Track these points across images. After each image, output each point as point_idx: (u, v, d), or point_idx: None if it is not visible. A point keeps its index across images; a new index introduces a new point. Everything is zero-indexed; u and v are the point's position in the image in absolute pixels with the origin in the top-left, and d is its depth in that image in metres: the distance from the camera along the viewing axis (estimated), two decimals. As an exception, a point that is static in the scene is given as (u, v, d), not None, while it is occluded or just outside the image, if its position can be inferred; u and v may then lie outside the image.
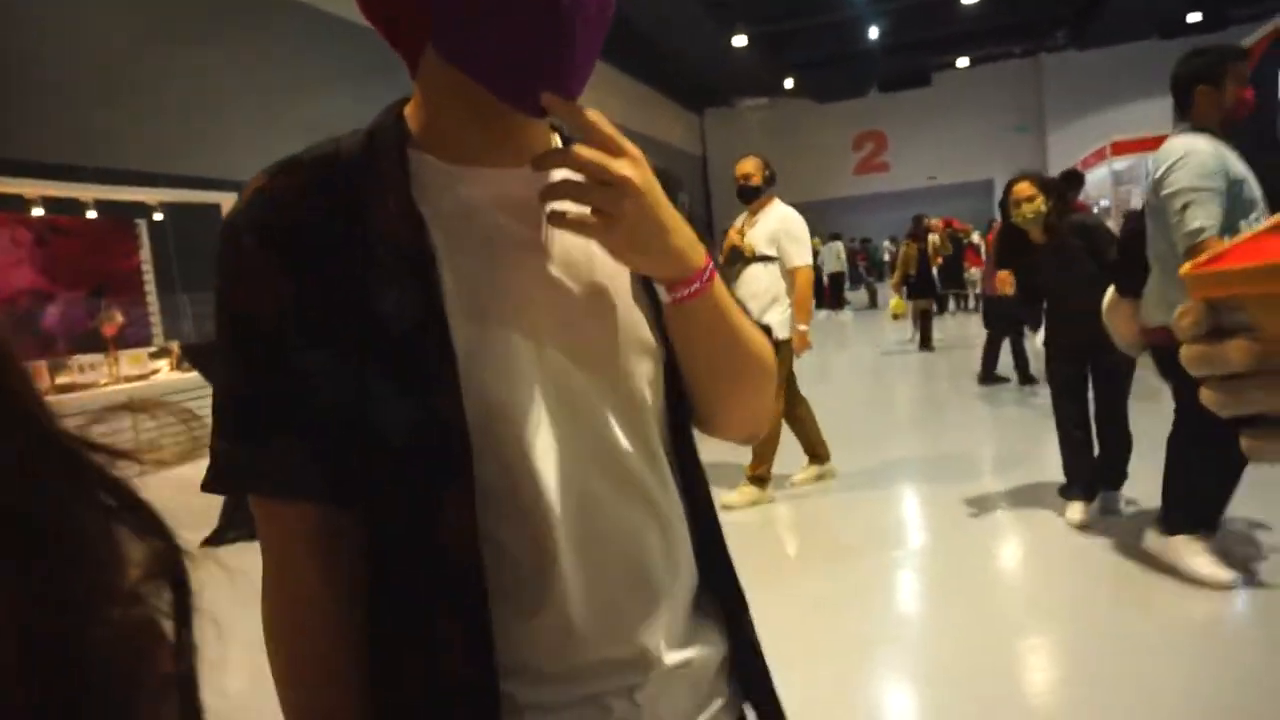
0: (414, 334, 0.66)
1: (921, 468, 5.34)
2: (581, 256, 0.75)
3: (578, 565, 0.71)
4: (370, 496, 0.69)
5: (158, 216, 8.66)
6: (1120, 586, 3.30)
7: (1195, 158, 2.81)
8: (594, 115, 0.68)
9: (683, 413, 0.82)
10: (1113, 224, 7.74)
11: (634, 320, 0.77)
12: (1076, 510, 3.90)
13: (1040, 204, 3.80)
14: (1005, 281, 3.95)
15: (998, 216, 7.42)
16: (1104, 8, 15.74)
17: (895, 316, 11.59)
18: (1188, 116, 3.00)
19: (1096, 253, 3.70)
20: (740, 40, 16.45)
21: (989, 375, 7.77)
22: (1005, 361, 7.70)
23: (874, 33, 17.19)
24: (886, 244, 22.82)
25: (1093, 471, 3.89)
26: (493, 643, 0.68)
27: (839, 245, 19.06)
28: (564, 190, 0.68)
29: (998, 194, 6.97)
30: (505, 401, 0.69)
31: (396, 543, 0.70)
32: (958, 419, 6.88)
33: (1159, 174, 2.88)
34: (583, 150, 0.67)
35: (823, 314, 17.21)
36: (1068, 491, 3.98)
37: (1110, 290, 3.43)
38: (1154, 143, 11.37)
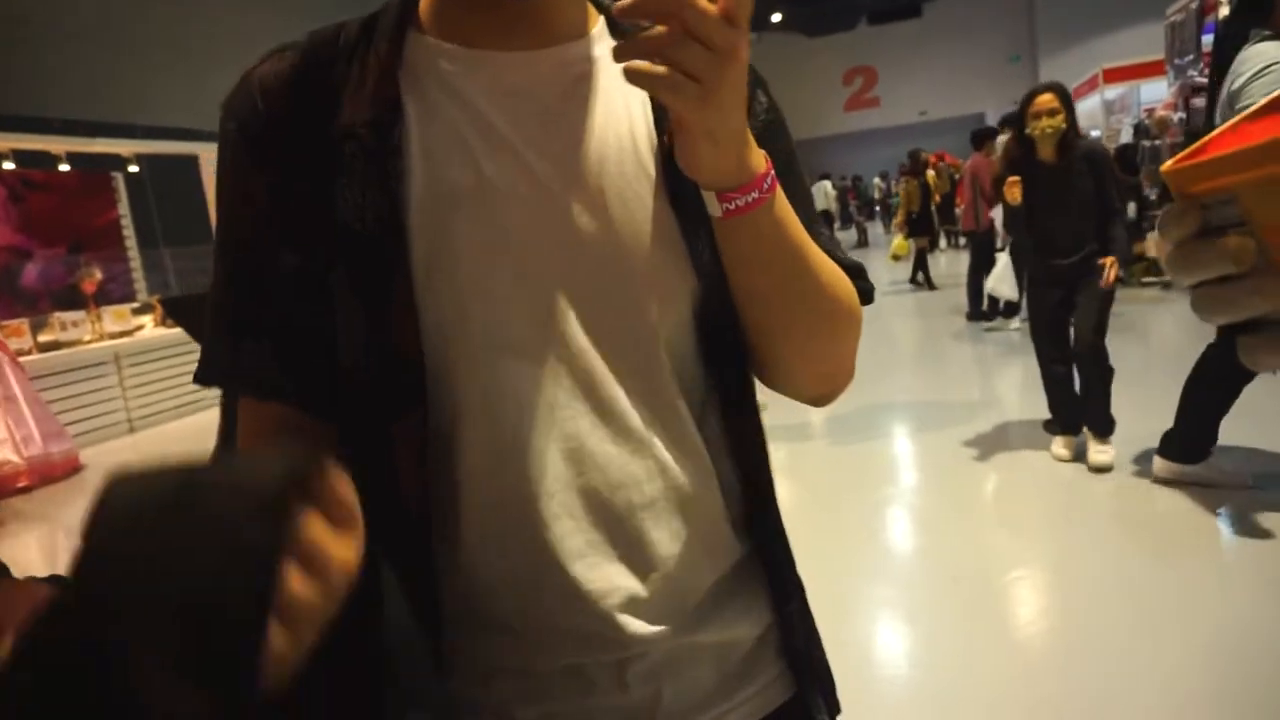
0: (370, 241, 0.60)
1: (915, 408, 5.33)
2: (592, 160, 0.64)
3: (555, 517, 0.62)
4: (333, 406, 0.64)
5: (133, 169, 8.48)
6: (1109, 522, 3.31)
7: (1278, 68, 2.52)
8: None
9: (731, 361, 0.69)
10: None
11: (655, 242, 0.64)
12: (1060, 445, 3.90)
13: (1061, 120, 3.57)
14: (1015, 185, 3.66)
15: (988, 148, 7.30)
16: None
17: (896, 258, 11.39)
18: (1269, 22, 2.71)
19: (1100, 181, 3.55)
20: (726, -27, 16.03)
21: (976, 310, 7.71)
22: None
23: (863, -38, 16.79)
24: (876, 181, 22.61)
25: (1076, 405, 3.85)
26: (437, 595, 0.63)
27: (827, 184, 18.90)
28: (652, 46, 0.51)
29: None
30: (469, 326, 0.60)
31: (351, 470, 0.65)
32: (957, 357, 6.87)
33: (1236, 85, 2.63)
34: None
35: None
36: (1051, 426, 3.97)
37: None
38: (1145, 69, 11.22)
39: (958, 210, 13.55)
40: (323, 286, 0.61)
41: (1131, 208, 7.47)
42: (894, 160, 18.53)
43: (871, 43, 22.52)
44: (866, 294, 0.72)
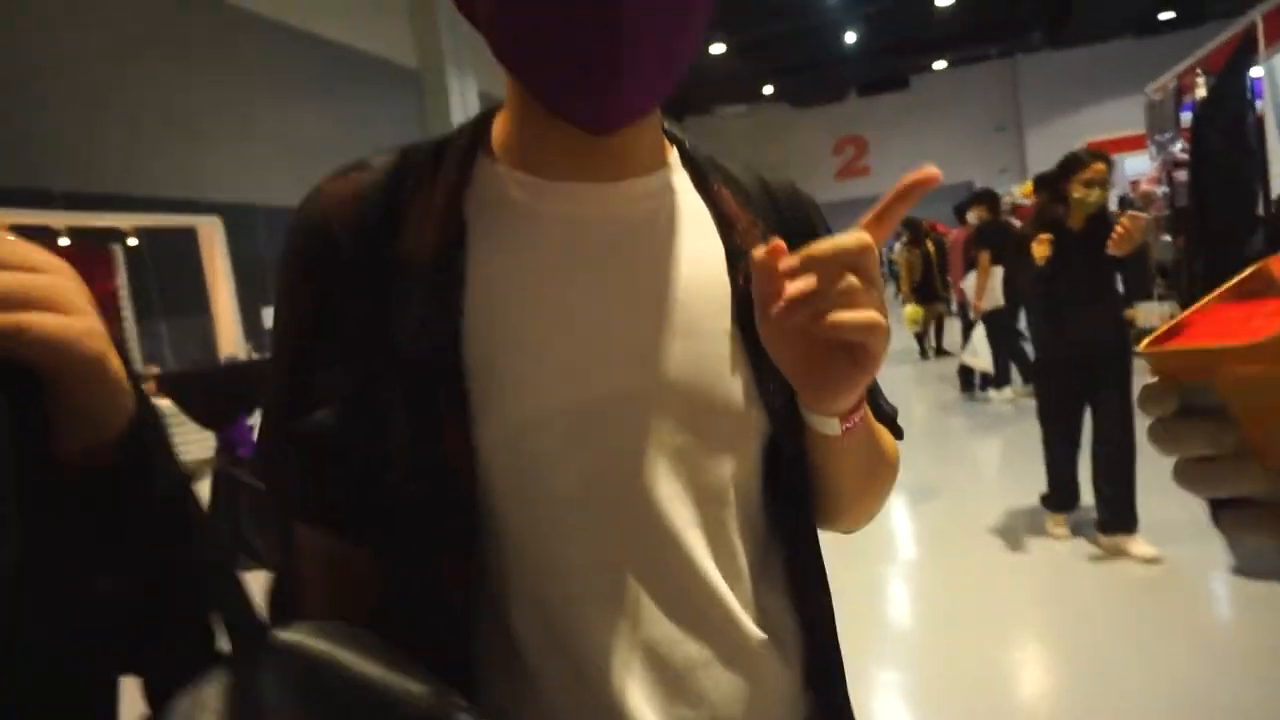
0: (425, 372, 0.59)
1: (913, 483, 5.30)
2: (665, 299, 0.62)
3: (613, 671, 0.59)
4: (381, 539, 0.62)
5: (132, 242, 8.57)
6: (1107, 600, 3.27)
7: None
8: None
9: (798, 502, 0.68)
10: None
11: (729, 386, 0.62)
12: (1057, 523, 3.86)
13: (1105, 194, 3.44)
14: (1045, 243, 3.37)
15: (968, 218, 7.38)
16: (1077, 7, 15.85)
17: (914, 323, 10.92)
18: None
19: (1137, 258, 3.43)
20: (718, 48, 16.47)
21: (969, 382, 7.67)
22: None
23: (851, 37, 17.24)
24: (869, 247, 22.70)
25: (1074, 482, 3.79)
26: None
27: None
28: (810, 308, 0.51)
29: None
30: (521, 467, 0.59)
31: (395, 597, 0.62)
32: (955, 429, 6.86)
33: None
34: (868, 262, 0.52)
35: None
36: (1049, 502, 3.92)
37: None
38: (1129, 143, 11.44)
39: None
40: (374, 409, 0.60)
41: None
42: (885, 227, 18.72)
43: (861, 113, 23.01)
44: (899, 434, 0.76)
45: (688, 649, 0.61)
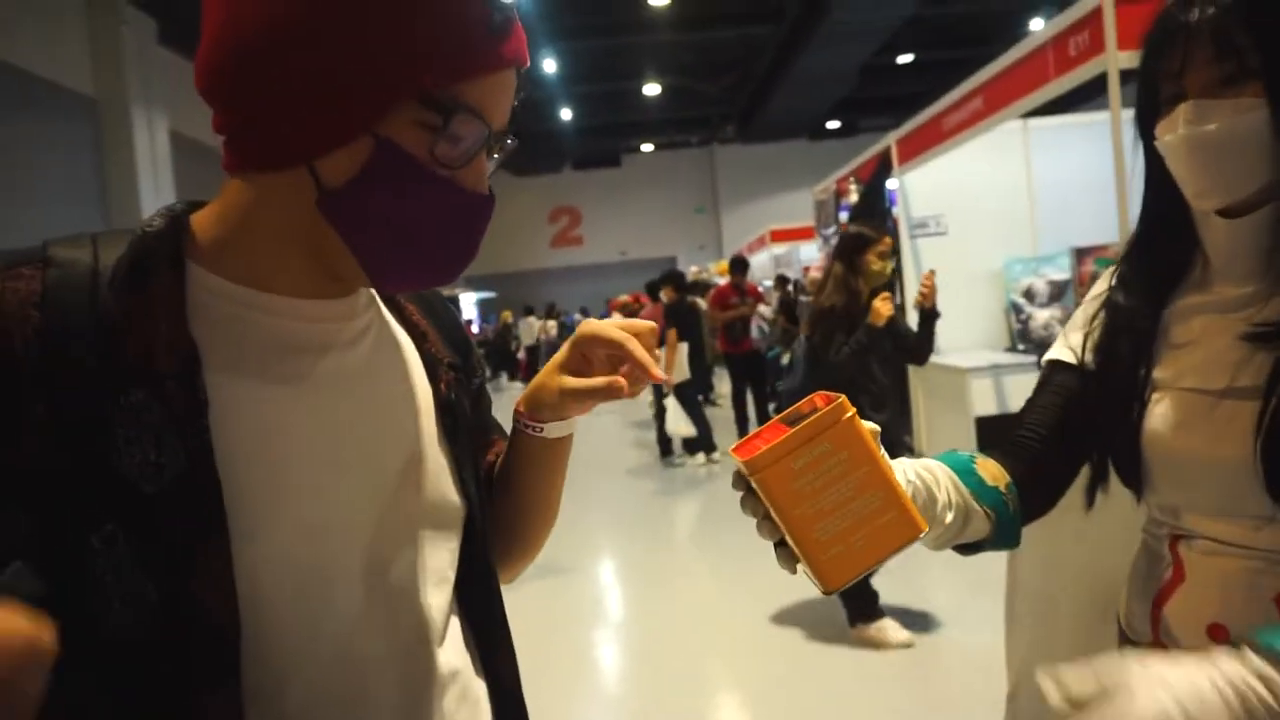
0: (167, 502, 0.55)
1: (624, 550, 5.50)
2: (388, 411, 0.71)
3: None
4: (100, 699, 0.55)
5: None
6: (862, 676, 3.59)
7: None
8: None
9: (485, 571, 0.78)
10: (773, 306, 8.53)
11: (443, 475, 0.73)
12: (891, 629, 3.55)
13: (890, 267, 3.55)
14: (888, 300, 3.36)
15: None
16: (762, 109, 17.85)
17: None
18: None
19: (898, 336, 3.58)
20: (437, 110, 16.48)
21: (668, 448, 7.83)
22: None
23: (567, 114, 18.06)
24: (578, 316, 23.63)
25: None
26: None
27: (533, 320, 19.02)
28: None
29: (682, 270, 7.42)
30: (282, 583, 0.60)
31: None
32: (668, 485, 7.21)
33: None
34: None
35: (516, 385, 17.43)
36: (871, 610, 3.59)
37: None
38: (803, 232, 12.84)
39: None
40: (67, 551, 0.53)
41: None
42: (596, 295, 19.60)
43: (576, 185, 24.03)
44: None
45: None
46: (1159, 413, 0.90)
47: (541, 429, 0.79)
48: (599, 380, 0.74)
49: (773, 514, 0.70)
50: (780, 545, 0.72)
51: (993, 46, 5.17)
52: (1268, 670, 0.63)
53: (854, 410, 0.70)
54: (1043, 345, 5.38)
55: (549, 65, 14.67)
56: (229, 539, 0.56)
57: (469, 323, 20.06)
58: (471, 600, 0.76)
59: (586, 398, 0.74)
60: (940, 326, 3.60)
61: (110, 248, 0.61)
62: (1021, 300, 5.73)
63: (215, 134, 0.63)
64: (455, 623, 0.73)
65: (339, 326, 0.69)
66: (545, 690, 3.33)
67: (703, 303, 9.35)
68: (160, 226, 0.63)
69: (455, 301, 20.13)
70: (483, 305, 22.62)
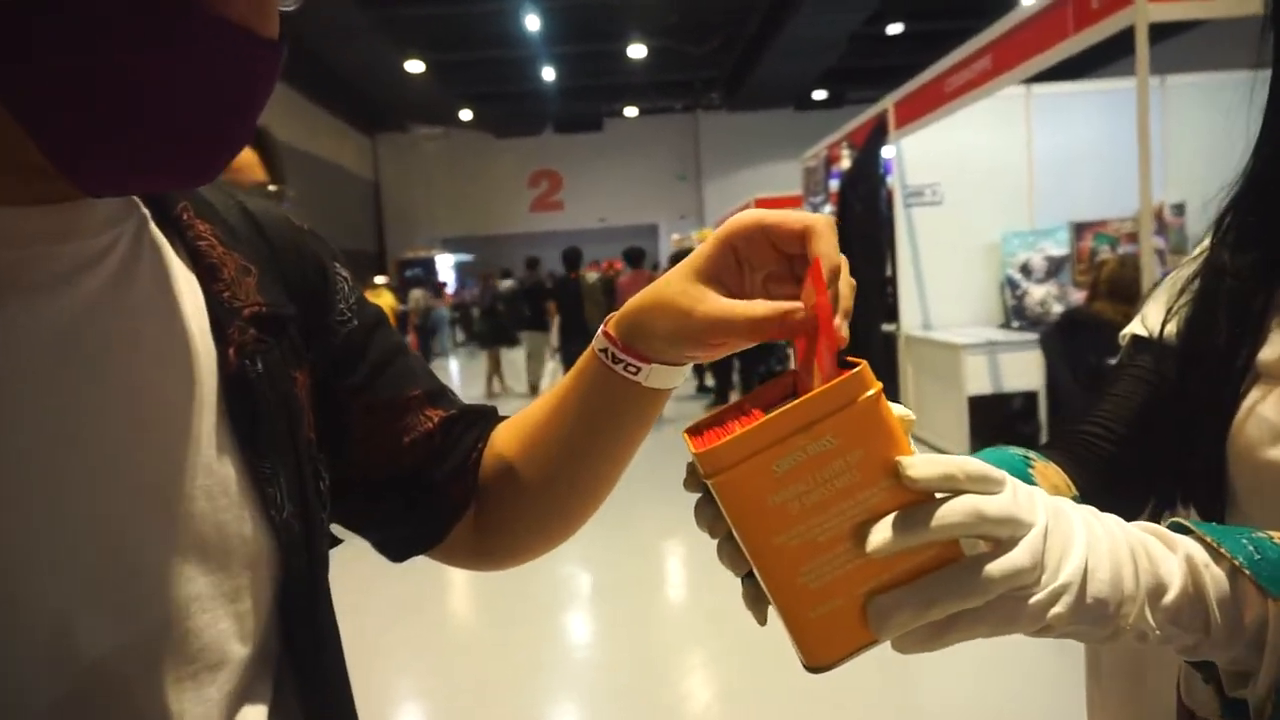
0: None
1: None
2: (124, 368, 0.44)
3: None
4: None
5: None
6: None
7: None
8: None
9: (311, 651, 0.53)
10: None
11: (230, 495, 0.47)
12: None
13: None
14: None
15: (663, 262, 7.83)
16: (749, 77, 17.54)
17: None
18: None
19: None
20: (416, 66, 16.02)
21: None
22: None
23: (549, 74, 17.64)
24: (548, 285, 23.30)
25: None
26: None
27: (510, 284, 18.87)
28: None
29: (663, 238, 7.29)
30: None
31: None
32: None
33: None
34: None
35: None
36: None
37: None
38: (789, 201, 12.80)
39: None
40: None
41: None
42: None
43: (557, 149, 23.64)
44: None
45: None
46: (1257, 411, 0.66)
47: (642, 370, 0.54)
48: (776, 305, 0.47)
49: (737, 538, 0.43)
50: (750, 578, 0.46)
51: (985, 20, 4.99)
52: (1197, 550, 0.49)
53: (879, 386, 0.43)
54: (1038, 323, 5.19)
55: (531, 22, 14.25)
56: None
57: (443, 285, 19.51)
58: (300, 685, 0.52)
59: (747, 330, 0.48)
60: (933, 300, 3.46)
61: None
62: (1018, 275, 5.54)
63: None
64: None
65: (47, 251, 0.43)
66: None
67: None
68: None
69: (430, 264, 19.69)
70: (461, 268, 22.22)
